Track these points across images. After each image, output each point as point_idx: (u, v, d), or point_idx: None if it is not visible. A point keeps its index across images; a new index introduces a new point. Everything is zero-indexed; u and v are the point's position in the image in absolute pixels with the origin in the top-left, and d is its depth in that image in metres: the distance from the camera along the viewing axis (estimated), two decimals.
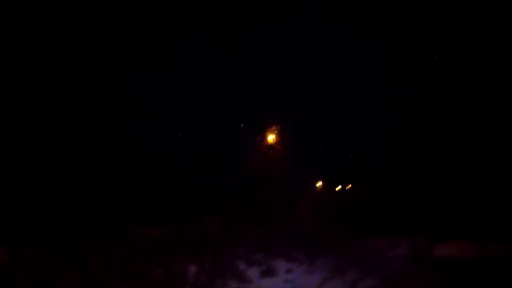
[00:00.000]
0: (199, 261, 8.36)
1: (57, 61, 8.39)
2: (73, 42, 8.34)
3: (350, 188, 9.32)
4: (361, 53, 8.83)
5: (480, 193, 9.11)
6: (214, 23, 8.41)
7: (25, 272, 7.84)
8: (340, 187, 9.42)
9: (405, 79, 8.99)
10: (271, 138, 8.75)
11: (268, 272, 8.37)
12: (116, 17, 8.23)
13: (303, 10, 8.35)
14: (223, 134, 8.63)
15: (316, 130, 8.78)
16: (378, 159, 8.98)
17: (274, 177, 8.63)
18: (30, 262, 8.02)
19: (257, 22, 8.35)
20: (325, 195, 9.15)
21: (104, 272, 8.02)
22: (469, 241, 9.01)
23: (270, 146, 8.84)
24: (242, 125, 8.67)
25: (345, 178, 9.37)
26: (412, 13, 8.51)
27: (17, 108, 8.40)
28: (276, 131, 8.73)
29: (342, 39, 8.63)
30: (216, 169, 8.55)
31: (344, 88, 8.89)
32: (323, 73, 8.73)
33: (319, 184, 9.29)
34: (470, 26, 8.63)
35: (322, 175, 9.28)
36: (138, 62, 8.54)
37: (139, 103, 8.66)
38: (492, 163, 9.13)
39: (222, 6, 8.31)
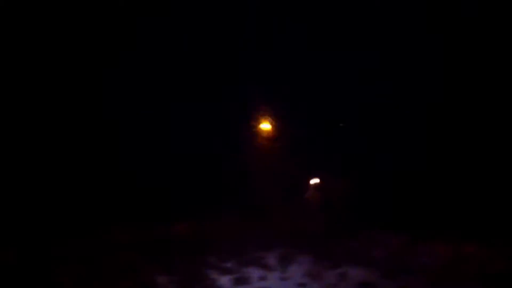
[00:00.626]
0: (169, 271, 8.13)
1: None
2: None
3: (326, 188, 9.18)
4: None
5: (457, 194, 9.02)
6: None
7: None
8: (315, 185, 9.26)
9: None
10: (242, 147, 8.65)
11: (241, 280, 8.12)
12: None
13: None
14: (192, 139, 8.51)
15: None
16: (364, 159, 8.88)
17: (246, 181, 8.51)
18: None
19: None
20: (298, 197, 8.98)
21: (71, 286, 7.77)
22: (446, 242, 8.87)
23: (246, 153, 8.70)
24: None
25: (323, 178, 9.19)
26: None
27: None
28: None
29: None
30: (185, 173, 8.40)
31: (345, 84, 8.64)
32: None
33: (293, 185, 9.13)
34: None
35: (297, 176, 9.11)
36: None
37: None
38: (472, 166, 9.04)
39: None
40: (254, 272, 8.24)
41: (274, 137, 8.73)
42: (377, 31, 8.89)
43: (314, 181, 8.96)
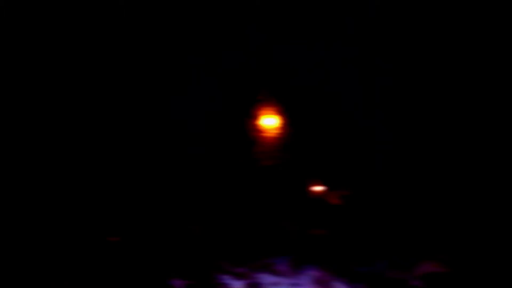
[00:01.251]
0: (182, 276, 8.32)
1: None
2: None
3: (335, 194, 9.29)
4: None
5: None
6: None
7: None
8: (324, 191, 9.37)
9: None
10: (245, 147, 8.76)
11: (254, 286, 8.30)
12: None
13: None
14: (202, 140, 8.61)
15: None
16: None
17: (255, 184, 8.65)
18: None
19: None
20: (308, 203, 9.10)
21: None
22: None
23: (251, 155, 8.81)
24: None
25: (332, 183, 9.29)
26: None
27: None
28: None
29: None
30: (193, 178, 8.52)
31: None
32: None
33: (303, 190, 9.23)
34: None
35: (308, 180, 9.22)
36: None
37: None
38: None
39: None
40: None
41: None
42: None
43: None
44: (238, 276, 8.43)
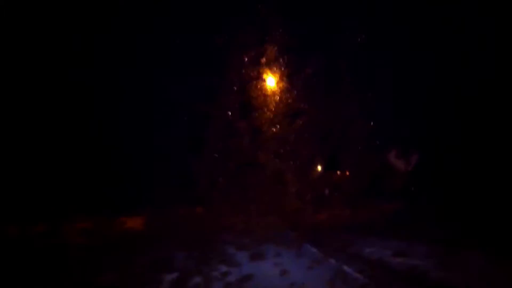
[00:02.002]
0: (186, 247, 8.36)
1: None
2: None
3: (339, 173, 9.72)
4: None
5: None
6: None
7: None
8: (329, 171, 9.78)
9: None
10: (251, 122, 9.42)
11: (257, 256, 8.36)
12: None
13: None
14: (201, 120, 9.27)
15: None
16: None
17: (259, 161, 9.15)
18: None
19: None
20: (313, 180, 9.47)
21: (87, 259, 7.88)
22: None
23: (253, 130, 9.42)
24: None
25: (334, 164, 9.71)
26: None
27: None
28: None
29: None
30: (197, 155, 9.03)
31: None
32: None
33: (307, 168, 9.66)
34: None
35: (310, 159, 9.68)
36: None
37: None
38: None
39: None
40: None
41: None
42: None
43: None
44: (242, 247, 8.50)
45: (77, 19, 8.93)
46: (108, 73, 9.07)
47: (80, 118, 8.87)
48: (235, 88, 9.04)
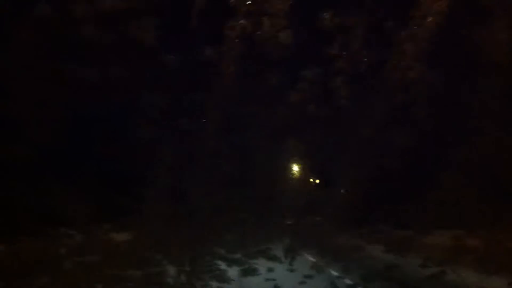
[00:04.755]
0: (178, 262, 8.22)
1: None
2: None
3: (329, 183, 9.62)
4: None
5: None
6: None
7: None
8: (318, 181, 9.69)
9: None
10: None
11: (249, 271, 8.26)
12: None
13: None
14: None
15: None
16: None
17: (250, 173, 8.97)
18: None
19: None
20: (303, 191, 9.39)
21: (79, 274, 7.74)
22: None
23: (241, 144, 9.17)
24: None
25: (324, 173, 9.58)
26: None
27: None
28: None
29: None
30: (186, 167, 8.81)
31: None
32: None
33: (298, 178, 9.56)
34: None
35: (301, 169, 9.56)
36: None
37: None
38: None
39: None
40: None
41: None
42: None
43: None
44: (233, 262, 8.37)
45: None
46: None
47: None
48: None
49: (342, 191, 9.65)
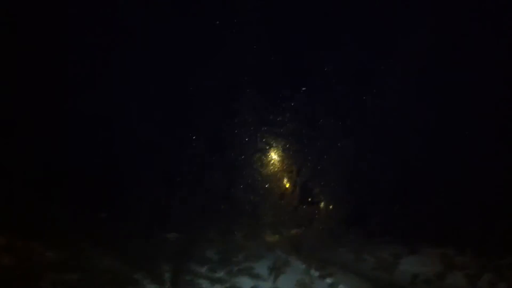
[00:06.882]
0: (159, 281, 7.97)
1: None
2: None
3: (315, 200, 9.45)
4: None
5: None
6: None
7: None
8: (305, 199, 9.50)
9: None
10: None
11: None
12: None
13: None
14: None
15: None
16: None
17: (233, 191, 8.82)
18: None
19: None
20: (286, 208, 9.20)
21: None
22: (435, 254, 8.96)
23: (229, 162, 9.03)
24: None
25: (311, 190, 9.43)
26: None
27: None
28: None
29: None
30: (171, 184, 8.66)
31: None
32: None
33: (282, 194, 9.37)
34: None
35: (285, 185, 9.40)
36: None
37: None
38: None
39: None
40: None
41: None
42: None
43: None
44: (216, 281, 8.12)
45: None
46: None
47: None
48: None
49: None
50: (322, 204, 9.32)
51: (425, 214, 8.86)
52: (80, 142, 9.37)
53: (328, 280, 8.35)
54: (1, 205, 8.16)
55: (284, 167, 9.09)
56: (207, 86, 8.67)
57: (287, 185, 9.14)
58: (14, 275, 7.63)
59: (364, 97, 9.27)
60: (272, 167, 9.11)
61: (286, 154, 9.13)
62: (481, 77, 9.00)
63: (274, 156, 9.08)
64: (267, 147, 8.95)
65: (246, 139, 8.84)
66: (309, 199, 9.37)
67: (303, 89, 8.97)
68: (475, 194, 8.82)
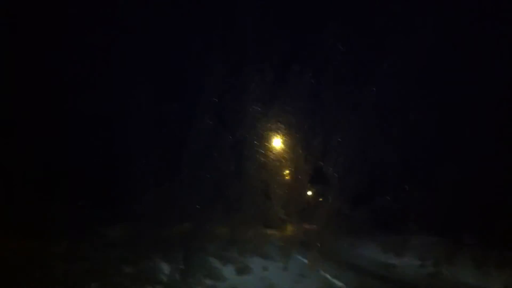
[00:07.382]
0: (171, 259, 8.03)
1: None
2: None
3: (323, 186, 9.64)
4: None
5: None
6: None
7: None
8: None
9: None
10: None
11: (244, 270, 8.15)
12: None
13: None
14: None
15: None
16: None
17: (243, 173, 8.99)
18: None
19: None
20: (297, 191, 9.33)
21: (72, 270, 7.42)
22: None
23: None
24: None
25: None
26: None
27: None
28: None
29: None
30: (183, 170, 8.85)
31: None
32: None
33: (291, 179, 9.52)
34: None
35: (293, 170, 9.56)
36: None
37: None
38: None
39: None
40: None
41: None
42: None
43: None
44: (228, 260, 8.25)
45: None
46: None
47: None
48: None
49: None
50: (332, 186, 9.35)
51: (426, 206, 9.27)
52: (80, 142, 9.53)
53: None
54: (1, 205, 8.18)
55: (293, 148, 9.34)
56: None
57: (297, 166, 9.32)
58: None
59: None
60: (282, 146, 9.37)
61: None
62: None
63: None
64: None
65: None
66: (319, 180, 9.55)
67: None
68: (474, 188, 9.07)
